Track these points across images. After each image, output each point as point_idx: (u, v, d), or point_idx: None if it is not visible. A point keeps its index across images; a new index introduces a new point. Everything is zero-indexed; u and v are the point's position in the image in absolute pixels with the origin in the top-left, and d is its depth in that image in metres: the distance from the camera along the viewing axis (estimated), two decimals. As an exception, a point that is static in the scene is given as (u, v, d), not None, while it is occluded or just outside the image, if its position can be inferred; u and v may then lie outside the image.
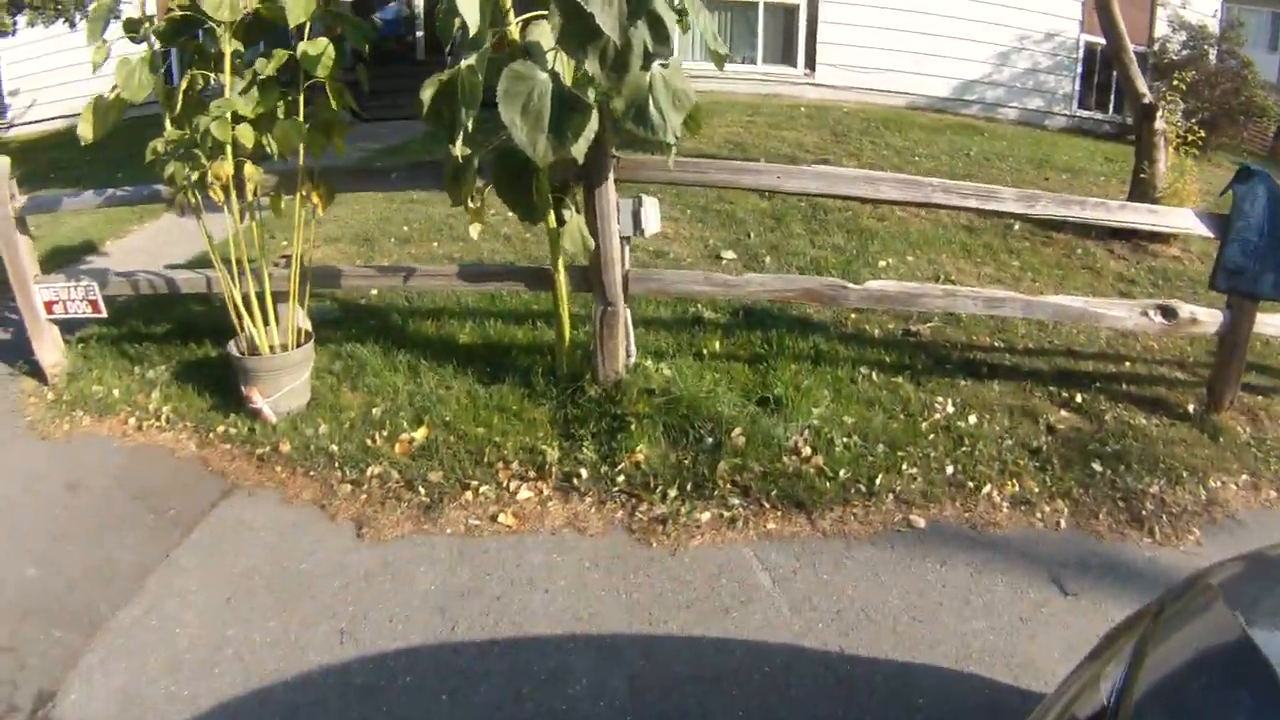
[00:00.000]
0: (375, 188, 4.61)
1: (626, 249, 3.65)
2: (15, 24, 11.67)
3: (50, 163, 9.96)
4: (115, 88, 3.29)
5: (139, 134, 3.59)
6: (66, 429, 3.91)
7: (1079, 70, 13.43)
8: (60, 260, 6.18)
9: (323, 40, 3.41)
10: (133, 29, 3.37)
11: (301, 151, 3.57)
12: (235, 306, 3.73)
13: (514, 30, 2.94)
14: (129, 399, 4.04)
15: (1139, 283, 5.68)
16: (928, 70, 12.77)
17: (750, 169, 4.08)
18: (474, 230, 3.54)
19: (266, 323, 3.78)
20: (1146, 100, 6.49)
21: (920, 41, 12.60)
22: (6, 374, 4.46)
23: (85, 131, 3.37)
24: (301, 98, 3.52)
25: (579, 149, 2.71)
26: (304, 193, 3.68)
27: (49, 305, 4.25)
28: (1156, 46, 13.32)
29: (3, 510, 3.33)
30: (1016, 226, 6.34)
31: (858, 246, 5.78)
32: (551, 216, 3.41)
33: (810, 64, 12.66)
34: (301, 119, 3.50)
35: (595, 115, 2.68)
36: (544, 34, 2.85)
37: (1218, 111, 11.76)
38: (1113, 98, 13.34)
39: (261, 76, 3.38)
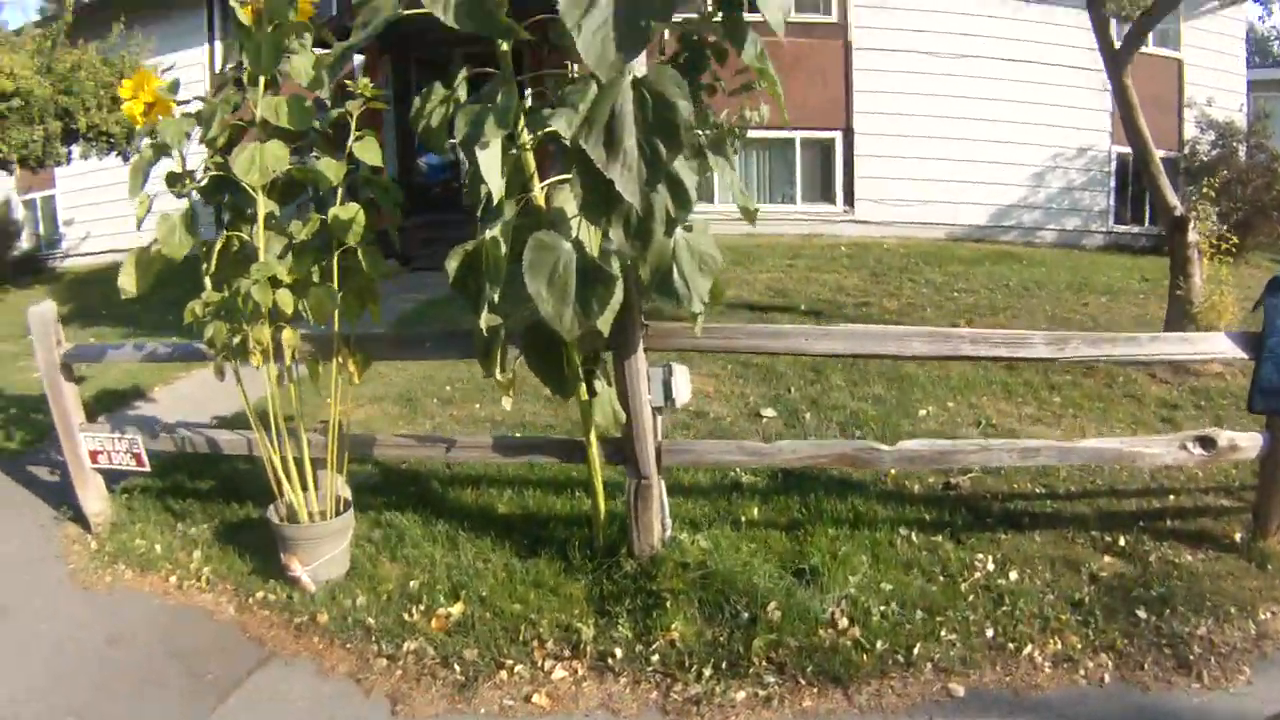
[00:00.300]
0: (410, 356, 4.79)
1: (659, 420, 3.71)
2: (70, 154, 12.38)
3: (102, 297, 10.39)
4: (156, 242, 3.41)
5: (195, 270, 3.68)
6: (109, 581, 4.09)
7: (1113, 184, 13.62)
8: (108, 404, 6.49)
9: (354, 206, 3.50)
10: (174, 183, 3.50)
11: (336, 317, 3.67)
12: (274, 471, 3.85)
13: (539, 196, 3.04)
14: (171, 556, 4.20)
15: (1182, 406, 5.64)
16: (965, 198, 13.00)
17: (778, 333, 4.18)
18: (506, 402, 3.62)
19: (305, 488, 3.88)
20: (1178, 213, 6.51)
21: (956, 169, 12.87)
22: (51, 518, 4.69)
23: (127, 285, 3.48)
24: (336, 262, 3.59)
25: (605, 321, 2.78)
26: (339, 360, 3.79)
27: (93, 455, 4.40)
28: (1187, 150, 13.47)
29: (48, 657, 3.49)
30: (1057, 360, 6.33)
31: (897, 396, 5.81)
32: (582, 389, 3.48)
33: (849, 200, 12.96)
34: (336, 284, 3.58)
35: (620, 286, 2.75)
36: (568, 199, 2.89)
37: (1251, 210, 11.77)
38: (1147, 209, 13.44)
39: (296, 240, 3.48)
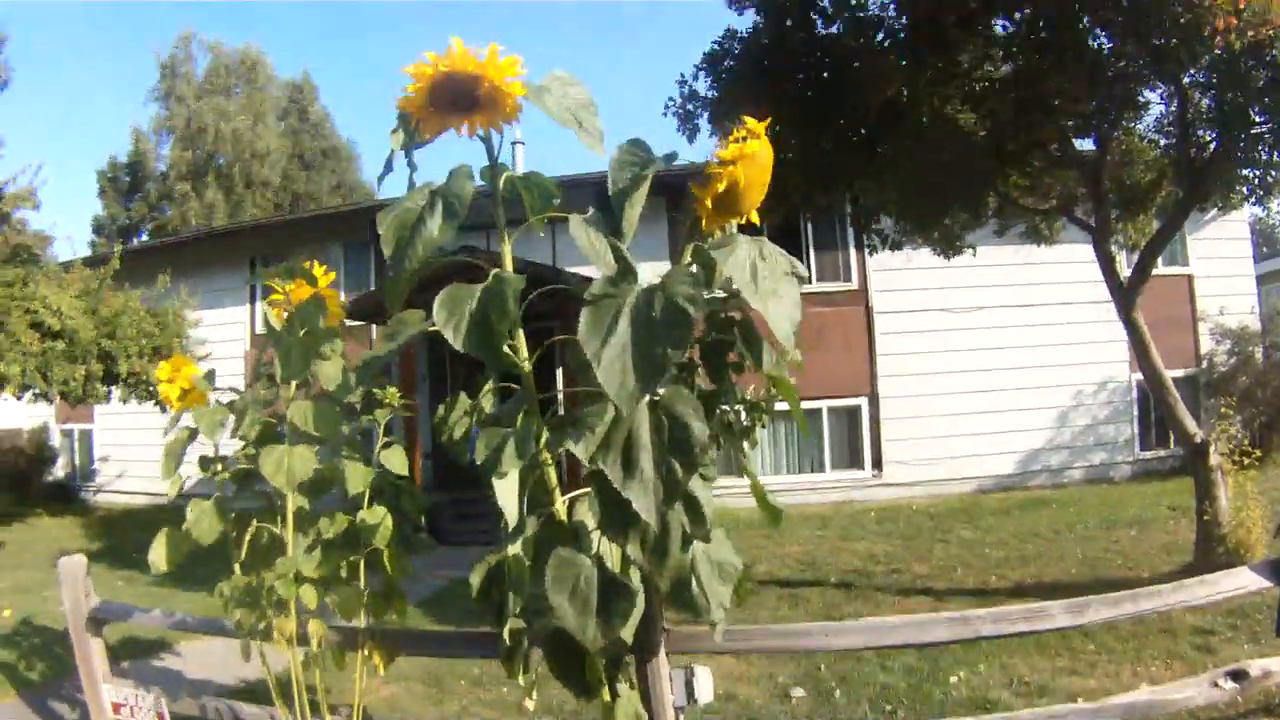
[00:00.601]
0: (435, 653, 4.70)
1: (682, 718, 3.59)
2: (110, 394, 12.57)
3: (134, 541, 10.30)
4: (186, 523, 3.41)
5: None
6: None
7: (1135, 413, 13.65)
8: (134, 651, 6.35)
9: (381, 510, 3.55)
10: (206, 468, 3.54)
11: (363, 614, 3.64)
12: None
13: (561, 510, 3.08)
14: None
15: (1217, 631, 5.47)
16: (991, 449, 13.01)
17: (797, 633, 4.07)
18: (529, 704, 3.50)
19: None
20: (1198, 440, 6.58)
21: (980, 421, 12.98)
22: None
23: (157, 561, 3.41)
24: (363, 562, 3.61)
25: (627, 632, 2.75)
26: (365, 652, 3.71)
27: (116, 707, 4.28)
28: (1204, 364, 13.49)
29: None
30: (1080, 627, 6.17)
31: (929, 665, 5.58)
32: (605, 692, 3.38)
33: (877, 464, 13.02)
34: (363, 583, 3.60)
35: (641, 598, 2.74)
36: (588, 514, 2.98)
37: (1274, 412, 11.64)
38: (1171, 431, 13.36)
39: (325, 538, 3.50)
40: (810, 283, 13.13)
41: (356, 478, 3.56)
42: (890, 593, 7.20)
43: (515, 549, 2.78)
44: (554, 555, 2.73)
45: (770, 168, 2.19)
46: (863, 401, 13.13)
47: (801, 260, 14.01)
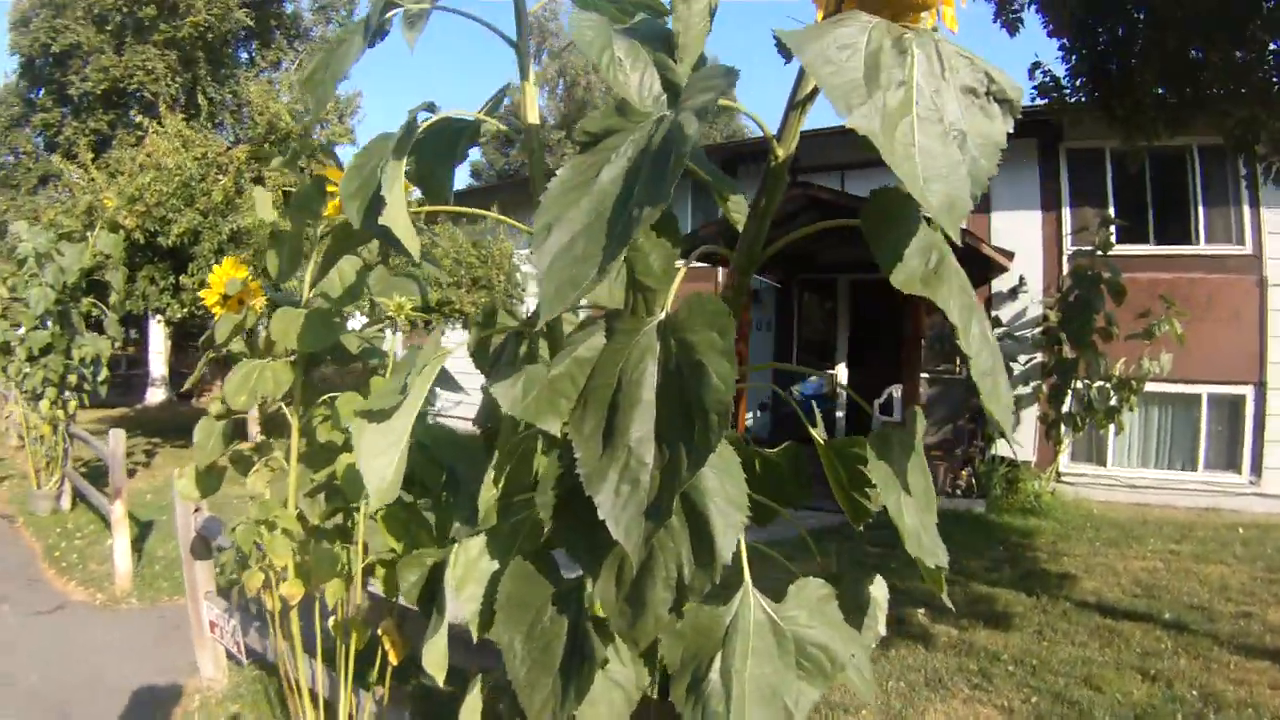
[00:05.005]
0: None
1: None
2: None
3: None
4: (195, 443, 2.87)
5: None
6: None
7: None
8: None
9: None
10: None
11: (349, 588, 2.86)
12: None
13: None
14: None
15: None
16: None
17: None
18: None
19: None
20: None
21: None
22: (177, 667, 4.64)
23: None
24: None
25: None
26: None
27: (211, 624, 4.29)
28: None
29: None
30: None
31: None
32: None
33: (1256, 469, 10.40)
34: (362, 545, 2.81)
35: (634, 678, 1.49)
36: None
37: None
38: None
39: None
40: (1198, 243, 10.68)
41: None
42: (1230, 648, 5.35)
43: (474, 547, 1.66)
44: (514, 565, 1.58)
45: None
46: (1248, 391, 10.31)
47: (1190, 219, 10.96)
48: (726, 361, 1.06)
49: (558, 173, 1.06)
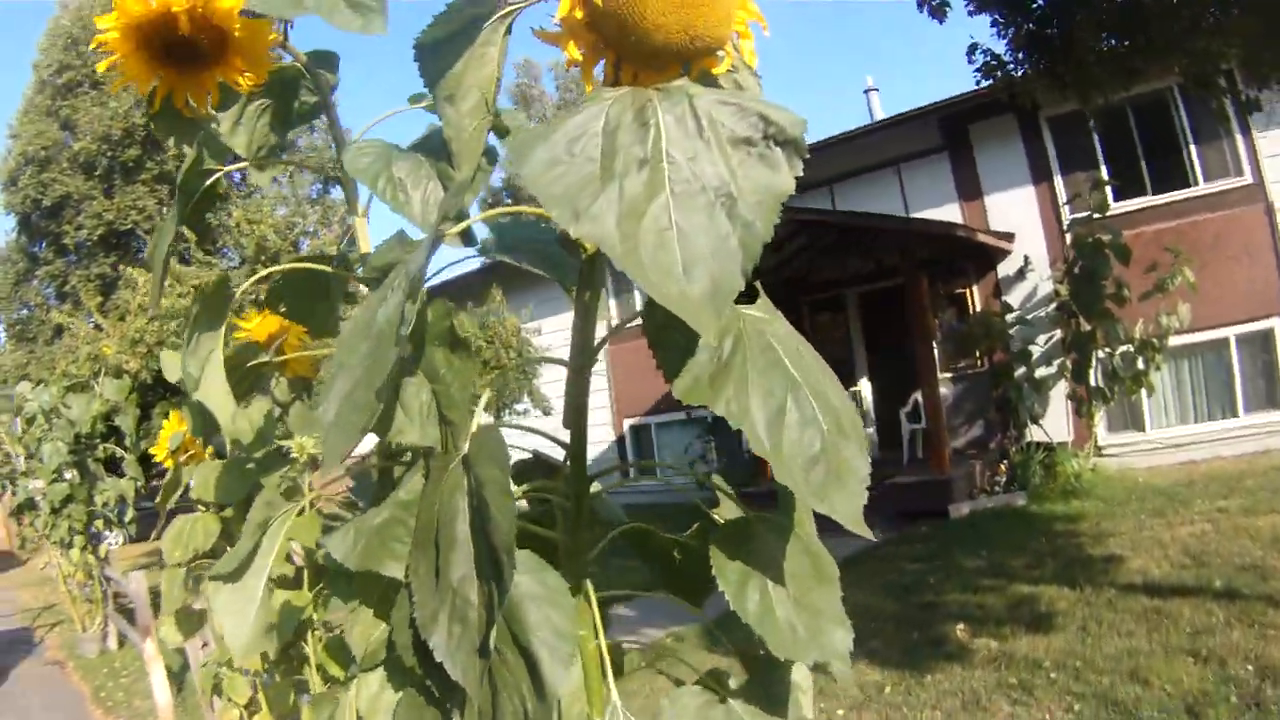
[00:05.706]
0: None
1: None
2: None
3: None
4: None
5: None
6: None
7: None
8: None
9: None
10: None
11: None
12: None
13: None
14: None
15: None
16: None
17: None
18: None
19: None
20: None
21: None
22: None
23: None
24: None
25: None
26: None
27: None
28: None
29: None
30: None
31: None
32: None
33: None
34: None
35: None
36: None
37: None
38: None
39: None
40: (1197, 184, 10.30)
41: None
42: (1290, 612, 5.05)
43: (374, 681, 1.63)
44: (404, 695, 1.54)
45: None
46: (1275, 322, 9.89)
47: (1184, 162, 10.53)
48: (507, 498, 1.04)
49: (353, 312, 1.06)
